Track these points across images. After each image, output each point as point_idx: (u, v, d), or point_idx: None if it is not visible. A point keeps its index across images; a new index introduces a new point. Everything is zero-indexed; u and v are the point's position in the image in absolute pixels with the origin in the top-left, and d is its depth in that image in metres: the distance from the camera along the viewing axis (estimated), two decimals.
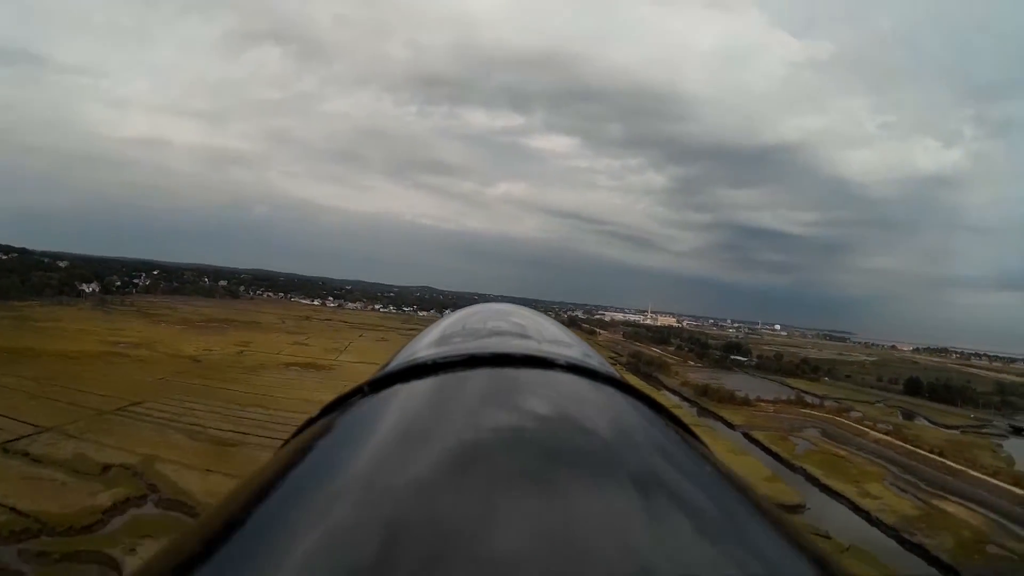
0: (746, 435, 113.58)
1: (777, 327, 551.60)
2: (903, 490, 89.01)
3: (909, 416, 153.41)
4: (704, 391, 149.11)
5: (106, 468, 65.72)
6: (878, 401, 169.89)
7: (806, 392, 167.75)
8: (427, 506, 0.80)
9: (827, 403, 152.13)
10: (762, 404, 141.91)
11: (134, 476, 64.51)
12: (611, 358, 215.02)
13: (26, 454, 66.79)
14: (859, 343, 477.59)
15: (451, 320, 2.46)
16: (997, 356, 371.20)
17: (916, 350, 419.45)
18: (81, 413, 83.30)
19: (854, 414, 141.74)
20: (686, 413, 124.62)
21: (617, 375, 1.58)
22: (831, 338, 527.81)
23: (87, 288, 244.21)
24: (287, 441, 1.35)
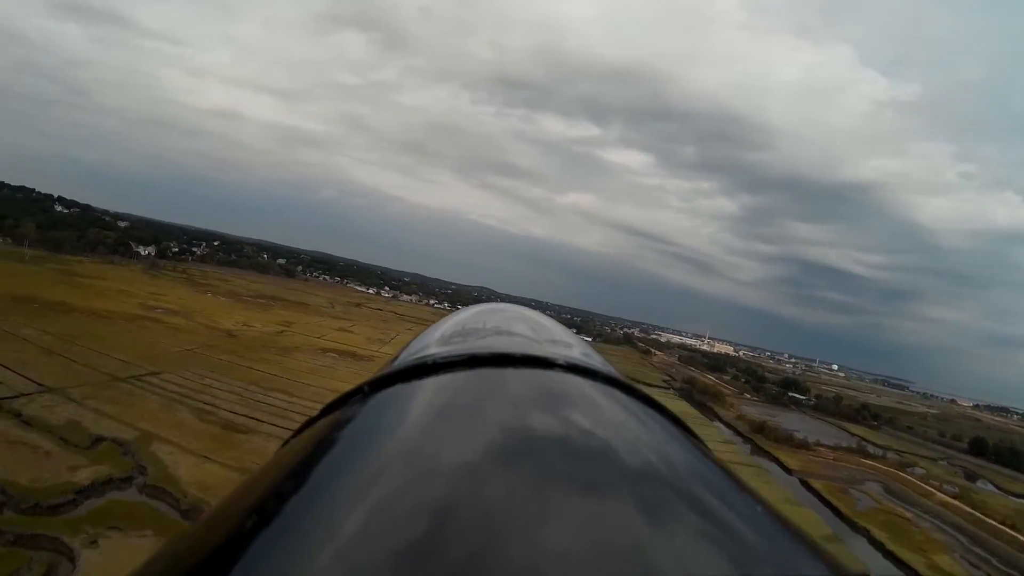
0: (803, 483, 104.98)
1: (835, 367, 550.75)
2: (975, 566, 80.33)
3: (972, 478, 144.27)
4: (760, 428, 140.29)
5: (97, 441, 59.60)
6: (941, 459, 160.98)
7: (866, 440, 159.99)
8: (427, 506, 0.80)
9: (889, 456, 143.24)
10: (821, 449, 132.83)
11: (124, 454, 58.22)
12: (665, 382, 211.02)
13: (18, 414, 61.07)
14: (917, 392, 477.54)
15: (452, 320, 2.43)
16: None
17: (976, 406, 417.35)
18: (92, 376, 77.91)
19: (917, 471, 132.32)
20: (739, 451, 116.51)
21: (618, 375, 1.57)
22: (889, 384, 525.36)
23: (143, 250, 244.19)
24: (287, 441, 1.35)
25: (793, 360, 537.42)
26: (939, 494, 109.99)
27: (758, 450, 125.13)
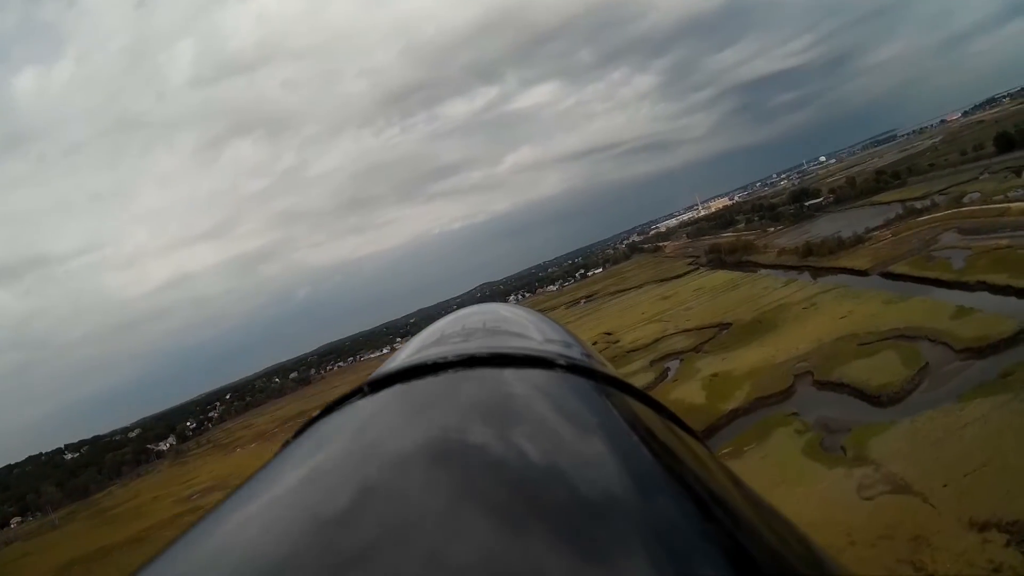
0: (885, 275, 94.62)
1: (822, 159, 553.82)
2: None
3: (1020, 172, 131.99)
4: (808, 251, 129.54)
5: None
6: (981, 174, 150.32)
7: (903, 201, 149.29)
8: (427, 506, 0.81)
9: (937, 200, 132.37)
10: (875, 235, 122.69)
11: None
12: (691, 263, 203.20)
13: None
14: (908, 134, 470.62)
15: (451, 320, 2.51)
16: None
17: (966, 113, 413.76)
18: None
19: (972, 196, 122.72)
20: (804, 284, 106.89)
21: (618, 375, 1.58)
22: (878, 143, 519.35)
23: (164, 446, 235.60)
24: (288, 441, 1.36)
25: (784, 176, 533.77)
26: (1012, 205, 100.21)
27: (820, 271, 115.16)
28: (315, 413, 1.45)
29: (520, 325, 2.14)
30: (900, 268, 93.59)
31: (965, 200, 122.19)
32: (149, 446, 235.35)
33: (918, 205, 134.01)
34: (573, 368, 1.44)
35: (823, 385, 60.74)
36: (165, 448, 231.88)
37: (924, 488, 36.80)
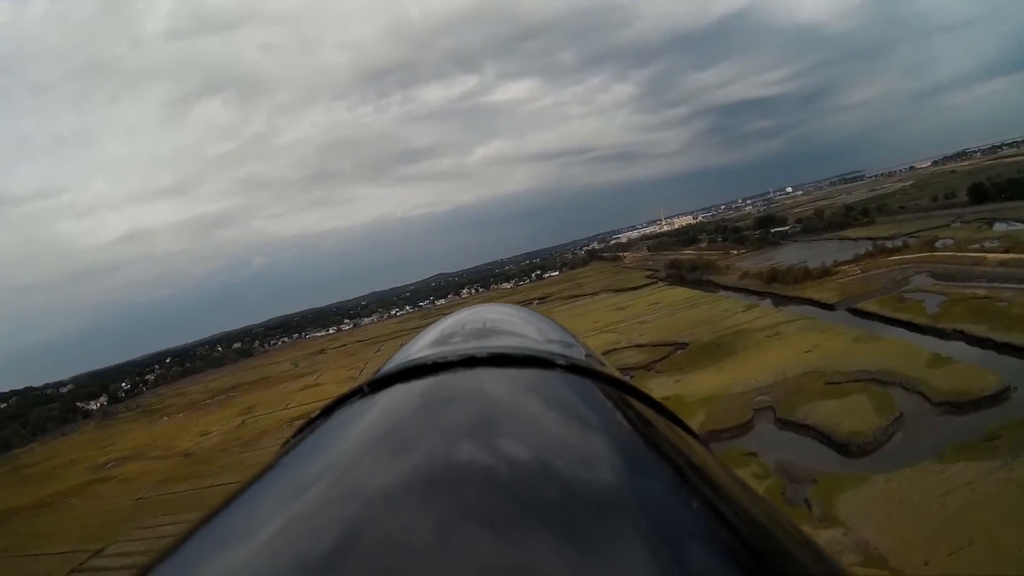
0: (853, 311, 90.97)
1: (789, 189, 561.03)
2: None
3: (991, 224, 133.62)
4: (773, 276, 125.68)
5: None
6: (952, 221, 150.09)
7: (869, 239, 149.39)
8: (427, 507, 0.81)
9: (907, 241, 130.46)
10: (843, 268, 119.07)
11: None
12: (649, 276, 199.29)
13: None
14: (876, 176, 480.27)
15: (451, 320, 2.49)
16: (1016, 141, 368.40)
17: (934, 163, 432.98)
18: None
19: (945, 243, 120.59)
20: (766, 310, 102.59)
21: (618, 375, 1.58)
22: (846, 181, 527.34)
23: (94, 405, 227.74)
24: (288, 441, 1.37)
25: (750, 201, 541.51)
26: (989, 255, 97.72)
27: (784, 300, 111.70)
28: (315, 413, 1.45)
29: (520, 325, 2.14)
30: (870, 306, 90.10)
31: (938, 244, 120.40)
32: (79, 404, 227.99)
33: (889, 244, 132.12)
34: (573, 368, 1.45)
35: (785, 424, 56.12)
36: (94, 408, 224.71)
37: (902, 563, 32.68)
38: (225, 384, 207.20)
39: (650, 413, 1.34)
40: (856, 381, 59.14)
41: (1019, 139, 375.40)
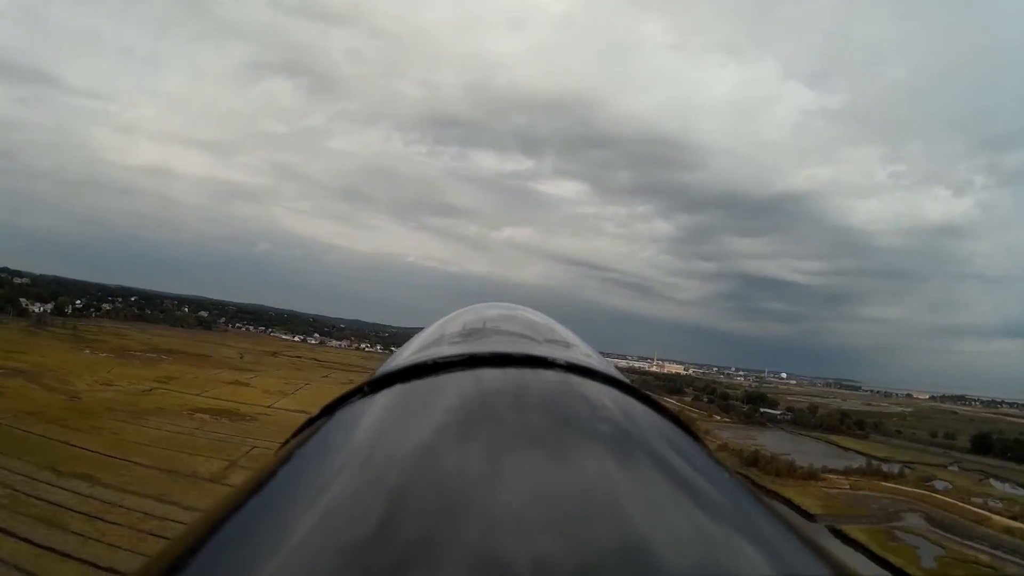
0: (835, 531, 79.65)
1: (783, 375, 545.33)
2: None
3: (989, 479, 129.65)
4: (754, 460, 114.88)
5: None
6: (950, 463, 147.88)
7: (861, 453, 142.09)
8: (427, 507, 0.80)
9: (901, 471, 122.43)
10: (831, 477, 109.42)
11: None
12: None
13: None
14: (871, 391, 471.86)
15: (451, 320, 2.44)
16: (1018, 402, 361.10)
17: (932, 398, 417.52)
18: None
19: (939, 484, 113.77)
20: None
21: (618, 375, 1.60)
22: (842, 386, 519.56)
23: (36, 308, 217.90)
24: (288, 440, 1.36)
25: (743, 373, 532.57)
26: (995, 518, 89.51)
27: (759, 489, 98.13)
28: (316, 412, 1.44)
29: (520, 325, 2.12)
30: (855, 532, 79.63)
31: (936, 485, 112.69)
32: (21, 300, 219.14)
33: (884, 468, 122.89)
34: (573, 368, 1.45)
35: None
36: (34, 311, 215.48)
37: None
38: (165, 345, 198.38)
39: (650, 413, 1.34)
40: None
41: (1020, 400, 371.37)
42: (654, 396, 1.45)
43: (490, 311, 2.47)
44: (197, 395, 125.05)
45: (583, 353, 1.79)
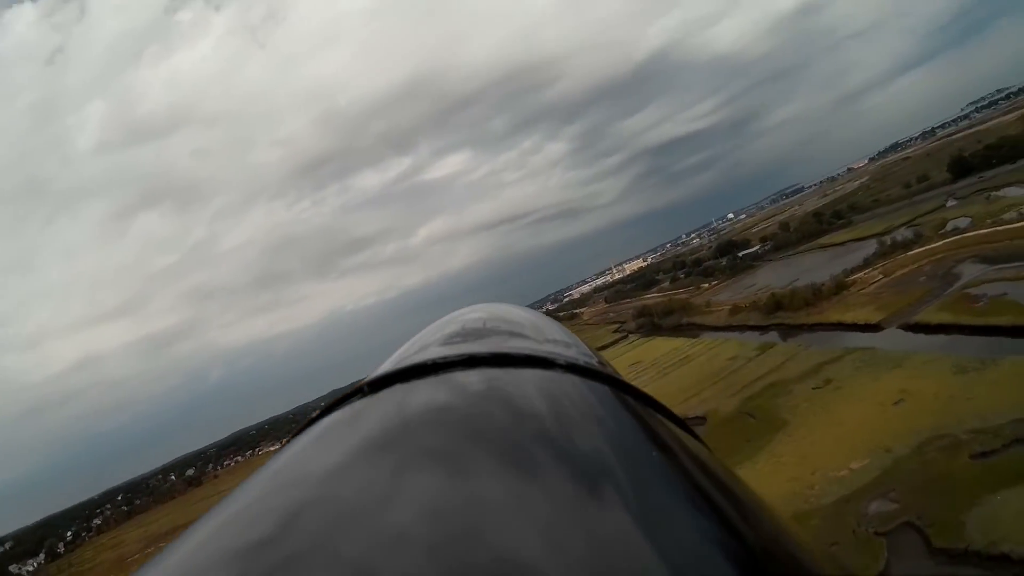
0: (911, 327, 68.61)
1: (730, 215, 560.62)
2: None
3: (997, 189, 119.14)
4: (775, 304, 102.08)
5: None
6: (947, 200, 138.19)
7: (860, 239, 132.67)
8: (427, 506, 0.81)
9: (913, 234, 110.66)
10: (860, 277, 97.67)
11: None
12: (616, 329, 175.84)
13: None
14: (816, 184, 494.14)
15: (450, 320, 2.49)
16: (947, 122, 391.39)
17: (872, 159, 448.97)
18: None
19: (961, 222, 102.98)
20: (786, 350, 77.68)
21: (617, 374, 1.61)
22: (786, 196, 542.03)
23: (30, 565, 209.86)
24: (287, 440, 1.37)
25: (695, 234, 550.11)
26: None
27: (799, 330, 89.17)
28: (315, 413, 1.44)
29: (520, 325, 2.14)
30: (935, 315, 67.75)
31: (951, 227, 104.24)
32: (12, 567, 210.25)
33: (898, 238, 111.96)
34: (573, 368, 1.45)
35: (954, 558, 30.35)
36: (29, 571, 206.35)
37: None
38: (163, 528, 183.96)
39: (651, 413, 1.34)
40: (1020, 441, 35.67)
41: (949, 119, 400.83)
42: (654, 397, 1.45)
43: (490, 311, 2.48)
44: None
45: (583, 353, 1.80)
